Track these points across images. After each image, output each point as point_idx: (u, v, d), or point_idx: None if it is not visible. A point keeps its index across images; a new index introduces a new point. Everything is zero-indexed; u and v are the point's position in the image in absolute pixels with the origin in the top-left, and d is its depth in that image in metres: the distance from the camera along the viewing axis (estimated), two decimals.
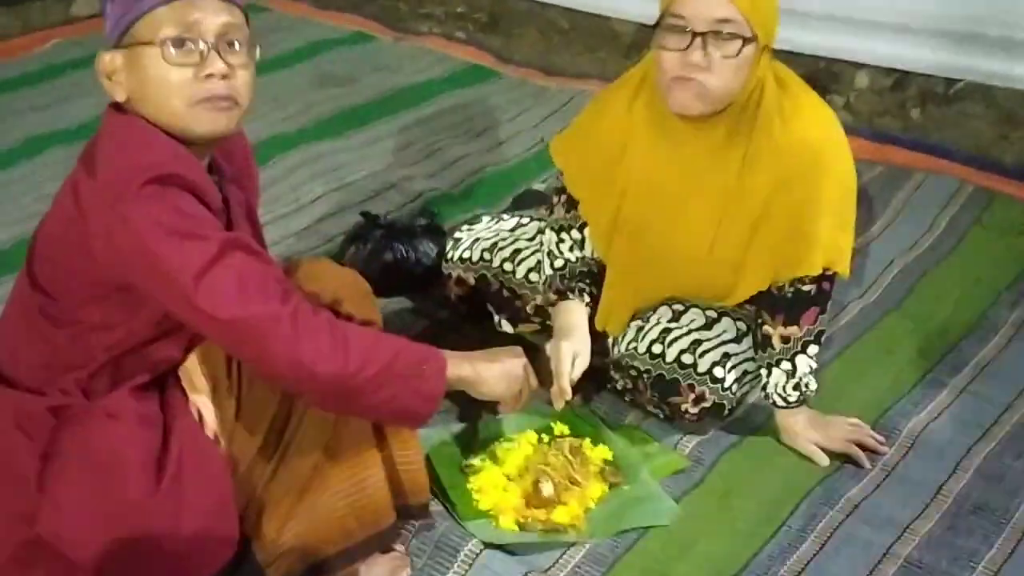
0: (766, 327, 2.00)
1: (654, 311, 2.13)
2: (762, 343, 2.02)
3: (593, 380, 2.18)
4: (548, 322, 2.19)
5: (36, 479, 1.50)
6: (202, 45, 1.43)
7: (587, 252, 2.15)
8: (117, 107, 1.51)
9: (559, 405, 2.02)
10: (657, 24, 1.83)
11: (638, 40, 3.87)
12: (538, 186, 2.93)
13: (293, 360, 1.44)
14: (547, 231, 2.20)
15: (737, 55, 1.79)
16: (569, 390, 2.01)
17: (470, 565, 1.78)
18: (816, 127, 1.91)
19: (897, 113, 3.53)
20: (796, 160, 1.87)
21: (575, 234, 2.15)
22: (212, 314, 1.42)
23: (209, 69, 1.43)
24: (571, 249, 2.16)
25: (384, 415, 1.60)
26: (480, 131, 3.36)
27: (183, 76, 1.43)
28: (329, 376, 1.46)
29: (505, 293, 2.29)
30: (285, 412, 1.67)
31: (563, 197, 2.15)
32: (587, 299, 2.14)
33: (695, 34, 1.79)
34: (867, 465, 2.05)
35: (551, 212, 2.19)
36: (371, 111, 3.48)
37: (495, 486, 1.92)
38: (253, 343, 1.45)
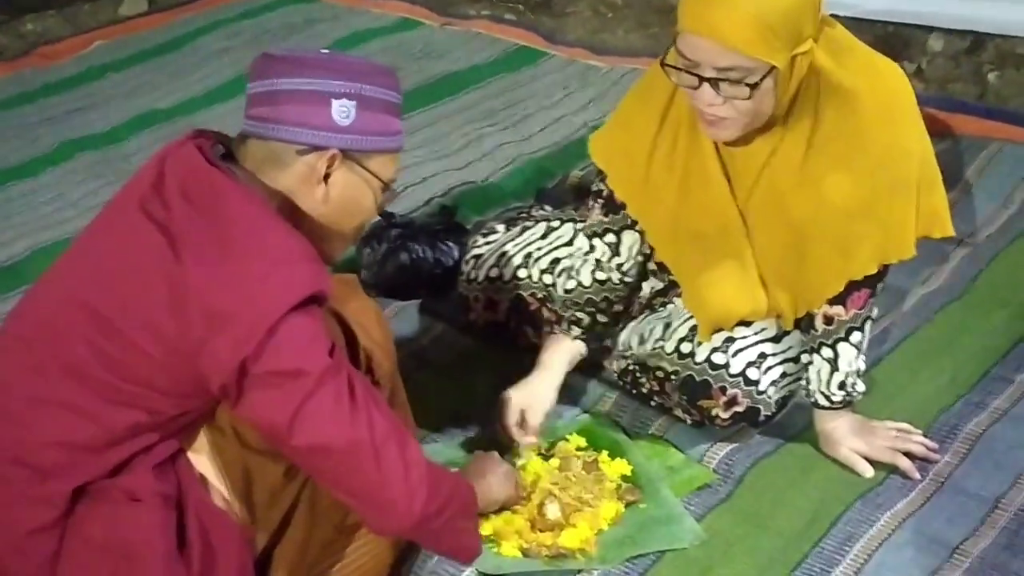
0: None
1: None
2: (805, 325, 1.85)
3: (616, 386, 2.04)
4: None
5: (49, 563, 1.37)
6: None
7: (623, 259, 1.95)
8: (224, 164, 1.39)
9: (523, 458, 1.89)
10: (665, 57, 1.66)
11: None
12: (575, 173, 2.77)
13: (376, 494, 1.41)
14: (579, 237, 2.01)
15: (750, 97, 1.62)
16: (523, 439, 1.88)
17: None
18: (882, 99, 1.69)
19: (972, 79, 3.27)
20: (871, 144, 1.68)
21: (610, 238, 1.94)
22: (297, 443, 1.36)
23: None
24: (598, 263, 1.95)
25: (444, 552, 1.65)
26: (520, 118, 3.20)
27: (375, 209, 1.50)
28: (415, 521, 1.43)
29: (547, 311, 2.09)
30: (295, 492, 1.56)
31: (600, 201, 1.94)
32: (577, 332, 1.97)
33: (701, 79, 1.62)
34: (916, 476, 1.86)
35: (586, 216, 1.99)
36: (410, 101, 3.27)
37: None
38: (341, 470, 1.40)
